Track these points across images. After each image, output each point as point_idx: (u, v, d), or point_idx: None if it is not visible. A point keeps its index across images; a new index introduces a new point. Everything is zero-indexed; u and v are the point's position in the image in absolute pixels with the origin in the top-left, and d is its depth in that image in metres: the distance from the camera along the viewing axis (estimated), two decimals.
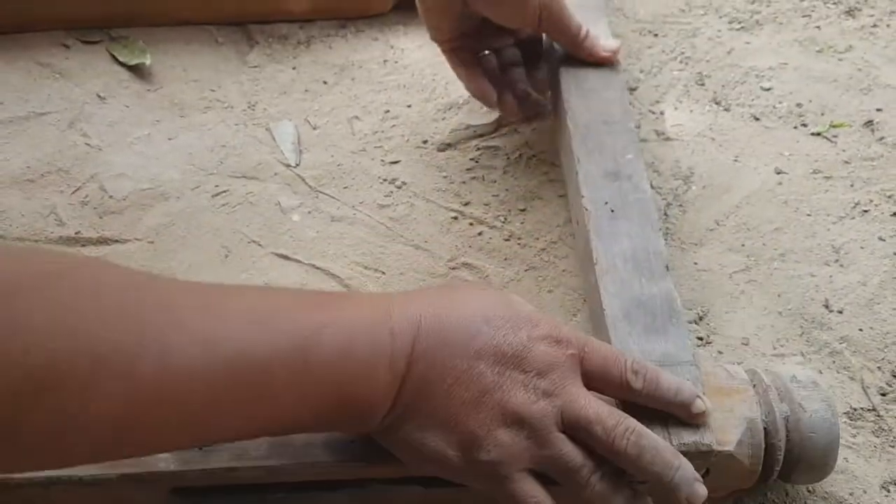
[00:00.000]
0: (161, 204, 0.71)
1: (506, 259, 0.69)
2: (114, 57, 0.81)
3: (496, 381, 0.44)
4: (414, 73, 0.82)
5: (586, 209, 0.59)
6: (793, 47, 0.84)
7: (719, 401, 0.50)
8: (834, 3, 0.89)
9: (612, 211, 0.58)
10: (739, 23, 0.87)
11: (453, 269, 0.68)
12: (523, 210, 0.72)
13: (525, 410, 0.44)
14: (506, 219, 0.71)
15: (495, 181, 0.74)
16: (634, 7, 0.88)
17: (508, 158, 0.75)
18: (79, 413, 0.35)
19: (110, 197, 0.71)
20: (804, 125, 0.78)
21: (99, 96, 0.79)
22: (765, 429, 0.50)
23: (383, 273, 0.68)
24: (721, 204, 0.72)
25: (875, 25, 0.87)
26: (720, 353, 0.62)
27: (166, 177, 0.73)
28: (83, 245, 0.68)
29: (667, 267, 0.54)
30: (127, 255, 0.68)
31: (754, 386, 0.52)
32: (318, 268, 0.68)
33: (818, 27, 0.86)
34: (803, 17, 0.87)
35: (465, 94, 0.79)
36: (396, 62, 0.83)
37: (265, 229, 0.70)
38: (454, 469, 0.44)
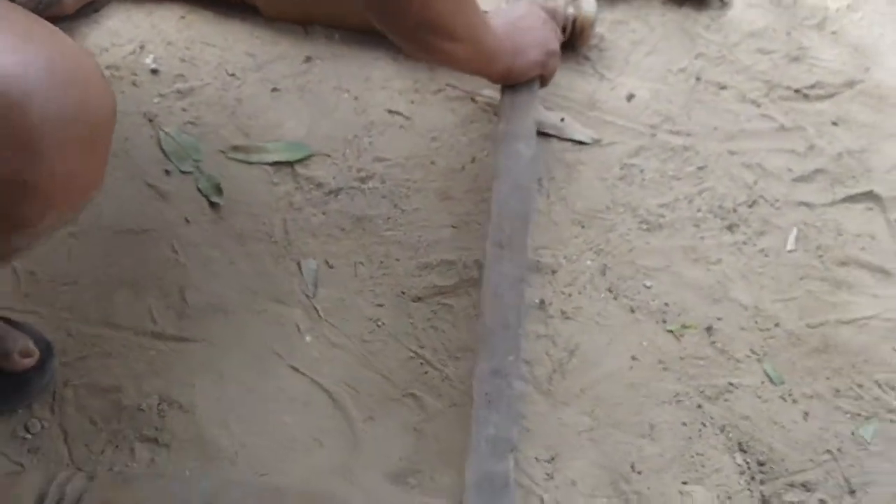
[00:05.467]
0: (220, 315, 1.07)
1: (439, 395, 1.04)
2: (199, 189, 1.15)
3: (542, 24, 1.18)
4: (406, 232, 1.15)
5: (473, 398, 0.94)
6: (677, 253, 1.17)
7: None
8: (721, 218, 1.20)
9: (489, 402, 0.93)
10: (647, 224, 1.19)
11: (403, 396, 1.04)
12: (458, 358, 1.07)
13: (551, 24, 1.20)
14: (446, 363, 1.07)
15: (444, 332, 1.09)
16: (573, 199, 1.20)
17: (458, 315, 1.10)
18: None
19: (188, 305, 1.07)
20: (664, 321, 1.11)
21: (186, 220, 1.13)
22: None
23: (358, 392, 1.04)
24: (588, 377, 1.07)
25: (745, 243, 1.19)
26: (557, 487, 0.99)
27: (227, 295, 1.09)
28: (167, 340, 1.05)
29: (512, 450, 0.90)
30: (192, 352, 1.04)
31: None
32: (315, 382, 1.04)
33: (702, 237, 1.19)
34: (694, 226, 1.20)
35: (439, 257, 1.13)
36: (397, 220, 1.16)
37: (286, 345, 1.06)
38: (541, 65, 1.17)
